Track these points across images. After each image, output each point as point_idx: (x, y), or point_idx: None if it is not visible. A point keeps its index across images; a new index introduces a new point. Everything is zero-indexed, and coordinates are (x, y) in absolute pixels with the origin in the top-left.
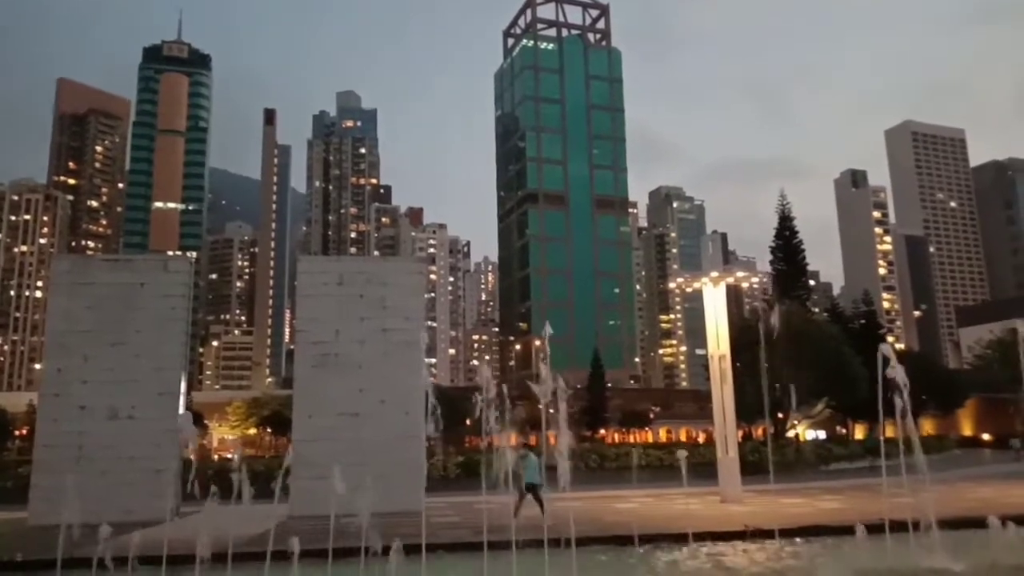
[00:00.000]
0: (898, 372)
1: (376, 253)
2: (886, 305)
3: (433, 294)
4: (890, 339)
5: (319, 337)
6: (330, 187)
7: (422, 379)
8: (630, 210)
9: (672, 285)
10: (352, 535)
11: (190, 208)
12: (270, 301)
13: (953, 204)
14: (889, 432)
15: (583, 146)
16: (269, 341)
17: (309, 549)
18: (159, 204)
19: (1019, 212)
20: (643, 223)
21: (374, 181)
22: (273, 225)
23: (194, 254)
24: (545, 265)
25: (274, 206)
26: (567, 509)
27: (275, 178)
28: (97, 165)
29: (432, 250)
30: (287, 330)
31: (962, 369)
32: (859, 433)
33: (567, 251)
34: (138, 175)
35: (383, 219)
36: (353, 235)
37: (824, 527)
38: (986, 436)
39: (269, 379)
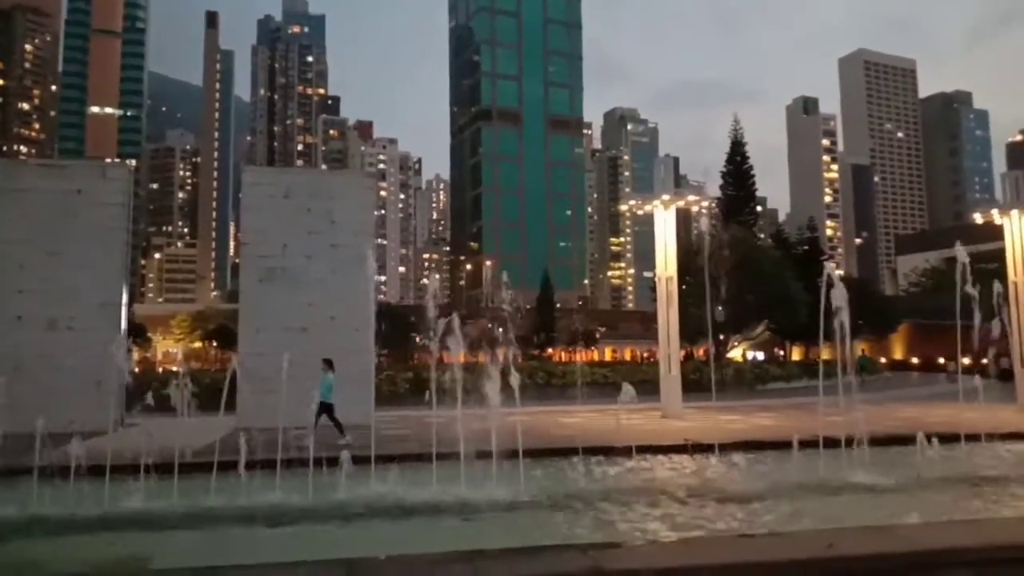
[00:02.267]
0: (839, 296)
1: (323, 167)
2: (829, 232)
3: (383, 211)
4: (831, 264)
5: (265, 251)
6: (276, 96)
7: (371, 295)
8: (584, 131)
9: (624, 208)
10: (301, 447)
11: (128, 114)
12: (214, 213)
13: (900, 135)
14: (825, 354)
15: (539, 63)
16: (213, 254)
17: (257, 460)
18: (95, 109)
19: (962, 144)
20: (597, 145)
21: (322, 91)
22: (216, 134)
23: (133, 162)
24: (498, 184)
25: (217, 115)
26: (514, 423)
27: (218, 85)
28: (27, 65)
29: (382, 166)
30: (232, 243)
31: (897, 295)
32: (796, 355)
33: (520, 171)
34: (72, 77)
35: (331, 132)
36: (300, 147)
37: (760, 442)
38: (915, 360)
39: (214, 292)
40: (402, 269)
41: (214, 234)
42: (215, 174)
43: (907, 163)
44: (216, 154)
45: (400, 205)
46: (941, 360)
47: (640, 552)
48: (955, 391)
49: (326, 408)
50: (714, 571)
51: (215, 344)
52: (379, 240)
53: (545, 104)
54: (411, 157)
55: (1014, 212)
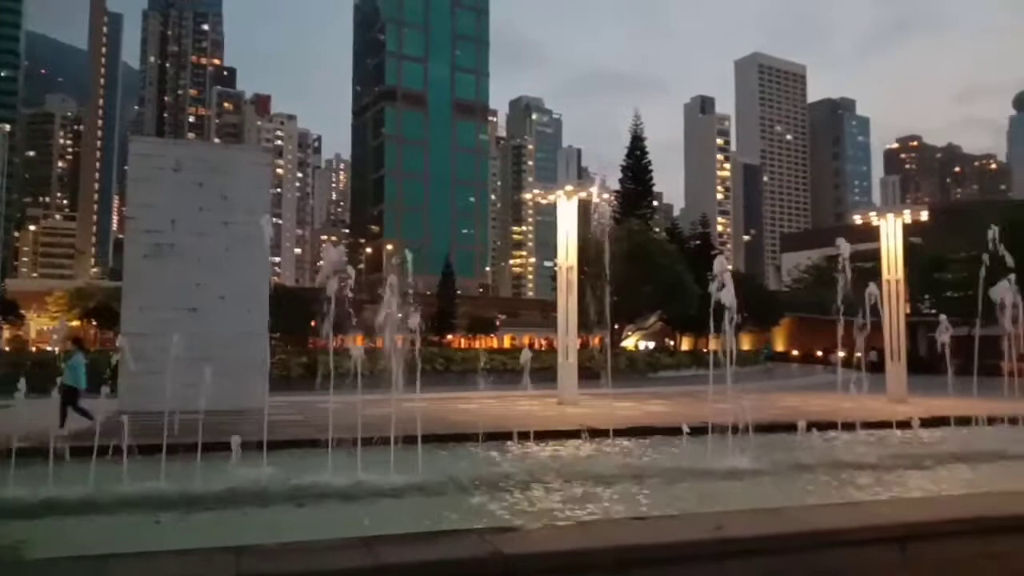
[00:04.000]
0: (727, 293)
1: (217, 140)
2: (720, 228)
3: (279, 189)
4: (721, 259)
5: (153, 226)
6: (167, 65)
7: (265, 276)
8: (490, 118)
9: (527, 197)
10: (189, 431)
11: (3, 75)
12: (96, 185)
13: (789, 137)
14: (713, 345)
15: (446, 46)
16: (95, 228)
17: (141, 444)
18: None
19: (844, 149)
20: (502, 132)
21: (217, 62)
22: (101, 102)
23: (7, 127)
24: (401, 167)
25: (103, 81)
26: (412, 409)
27: (104, 50)
28: None
29: (279, 142)
30: (115, 217)
31: (780, 291)
32: (686, 345)
33: (424, 155)
34: None
35: (226, 104)
36: (192, 119)
37: (653, 428)
38: (795, 352)
39: (94, 269)
40: (298, 250)
41: (96, 207)
42: (99, 143)
43: (794, 165)
44: (100, 122)
45: (297, 184)
46: (819, 353)
47: (538, 535)
48: (832, 382)
49: (71, 393)
50: (609, 552)
51: (95, 323)
52: (275, 219)
53: (451, 88)
54: (310, 135)
55: (889, 215)
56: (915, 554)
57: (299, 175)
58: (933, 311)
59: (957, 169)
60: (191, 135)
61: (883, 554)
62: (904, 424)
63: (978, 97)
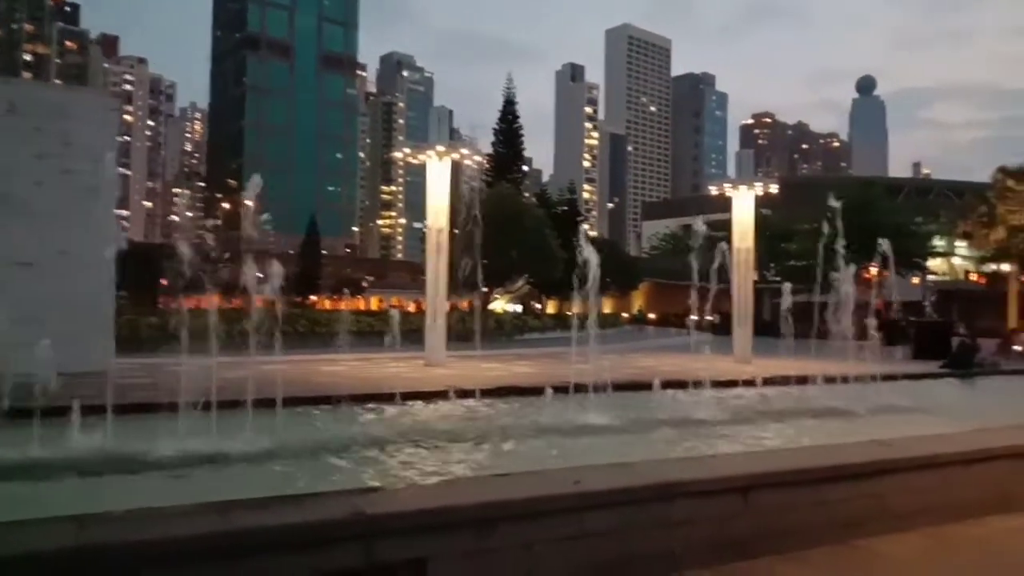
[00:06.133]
0: (591, 258)
1: (57, 82)
2: (586, 195)
3: (128, 138)
4: (586, 226)
5: None
6: None
7: (111, 230)
8: (359, 72)
9: (397, 156)
10: (24, 395)
11: None
12: None
13: (653, 108)
14: (576, 308)
15: None
16: None
17: None
18: None
19: (704, 122)
20: (372, 88)
21: None
22: None
23: None
24: (263, 119)
25: None
26: (273, 371)
27: None
28: None
29: (128, 87)
30: None
31: (640, 257)
32: (551, 308)
33: (289, 107)
34: None
35: (68, 43)
36: (28, 58)
37: (518, 388)
38: (652, 315)
39: None
40: (148, 204)
41: None
42: None
43: (657, 136)
44: None
45: (148, 133)
46: (675, 316)
47: (401, 495)
48: (685, 343)
49: None
50: (472, 509)
51: None
52: (122, 170)
53: (318, 39)
54: (164, 81)
55: (743, 187)
56: (755, 502)
57: (150, 123)
58: (778, 278)
59: (805, 146)
60: (27, 75)
61: (727, 503)
62: (749, 383)
63: (826, 80)
